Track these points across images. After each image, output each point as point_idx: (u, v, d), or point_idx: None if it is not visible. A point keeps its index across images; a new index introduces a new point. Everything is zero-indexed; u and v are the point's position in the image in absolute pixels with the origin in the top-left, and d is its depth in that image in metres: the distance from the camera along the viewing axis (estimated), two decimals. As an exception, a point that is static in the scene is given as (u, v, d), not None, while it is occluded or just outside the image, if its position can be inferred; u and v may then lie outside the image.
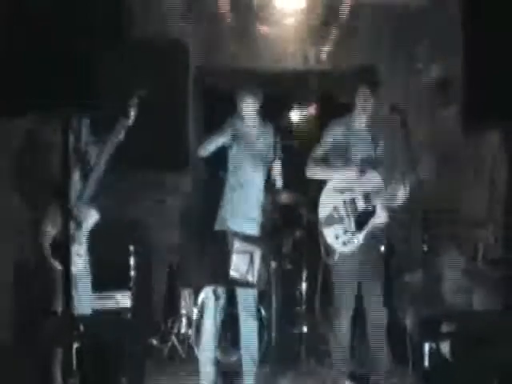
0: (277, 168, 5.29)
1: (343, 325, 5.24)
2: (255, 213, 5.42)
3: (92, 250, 5.18)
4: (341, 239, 5.20)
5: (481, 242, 5.92)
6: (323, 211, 5.28)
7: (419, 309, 5.48)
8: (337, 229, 5.22)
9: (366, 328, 5.28)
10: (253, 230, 5.36)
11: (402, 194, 5.04)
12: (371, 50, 7.49)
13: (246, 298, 5.44)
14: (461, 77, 3.50)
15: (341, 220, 5.20)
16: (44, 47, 3.07)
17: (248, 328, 5.43)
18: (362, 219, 5.17)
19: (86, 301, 4.74)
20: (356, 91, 5.30)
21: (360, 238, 5.14)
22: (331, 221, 5.23)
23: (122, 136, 4.59)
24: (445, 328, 5.03)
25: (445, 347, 4.94)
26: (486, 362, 4.41)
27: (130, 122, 4.66)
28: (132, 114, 4.67)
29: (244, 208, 5.41)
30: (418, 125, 6.16)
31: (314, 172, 5.37)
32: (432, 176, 5.12)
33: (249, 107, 5.43)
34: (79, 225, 4.58)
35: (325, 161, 5.34)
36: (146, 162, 6.92)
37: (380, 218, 5.15)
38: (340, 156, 5.27)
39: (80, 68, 3.07)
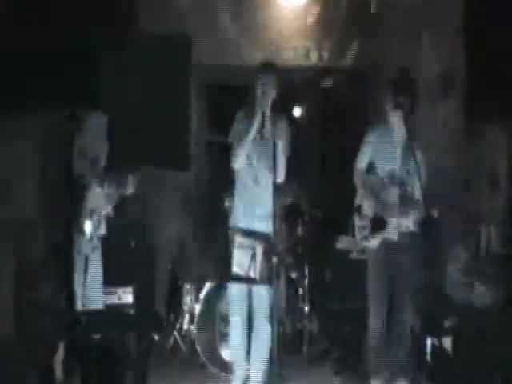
0: (281, 164, 5.23)
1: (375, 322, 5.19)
2: (268, 211, 5.28)
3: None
4: (361, 234, 5.18)
5: (483, 238, 5.92)
6: (357, 201, 5.25)
7: (421, 304, 5.45)
8: (358, 224, 5.19)
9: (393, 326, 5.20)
10: (267, 228, 5.25)
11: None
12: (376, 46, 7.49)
13: (260, 299, 5.37)
14: (462, 74, 3.51)
15: (364, 215, 5.16)
16: (45, 46, 3.08)
17: (261, 330, 5.37)
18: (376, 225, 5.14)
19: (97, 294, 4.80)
20: (389, 97, 5.19)
21: (373, 241, 5.12)
22: (357, 214, 5.20)
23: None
24: (447, 323, 5.04)
25: (447, 342, 4.95)
26: (488, 357, 4.42)
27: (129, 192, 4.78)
28: (132, 186, 4.81)
29: (258, 206, 5.34)
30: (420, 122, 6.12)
31: (357, 185, 5.30)
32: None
33: (268, 99, 5.26)
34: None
35: (368, 172, 5.26)
36: (148, 159, 6.94)
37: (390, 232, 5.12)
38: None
39: (82, 66, 3.09)
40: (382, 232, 5.11)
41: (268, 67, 5.38)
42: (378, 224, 5.13)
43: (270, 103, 5.24)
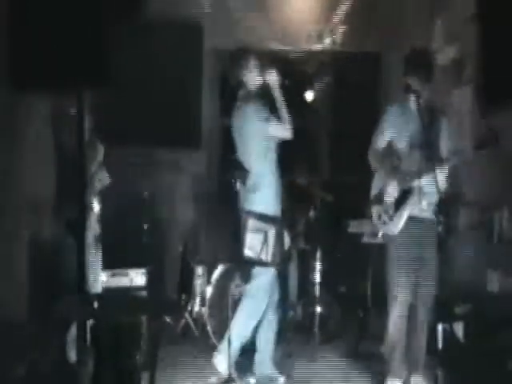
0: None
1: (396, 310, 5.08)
2: (280, 195, 5.35)
3: (106, 228, 5.21)
4: (382, 218, 5.11)
5: (496, 225, 5.89)
6: (374, 189, 5.20)
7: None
8: (379, 209, 5.13)
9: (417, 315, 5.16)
10: (277, 212, 5.29)
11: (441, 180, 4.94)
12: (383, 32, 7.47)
13: (261, 282, 5.36)
14: (475, 58, 3.47)
15: (385, 201, 5.10)
16: (58, 24, 3.05)
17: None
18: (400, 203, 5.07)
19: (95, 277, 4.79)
20: (409, 75, 5.08)
21: (397, 222, 5.04)
22: (377, 200, 5.14)
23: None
24: (458, 310, 5.02)
25: (458, 329, 4.93)
26: (499, 343, 4.41)
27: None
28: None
29: (277, 192, 5.36)
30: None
31: (374, 167, 5.24)
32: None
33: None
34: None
35: (385, 153, 5.18)
36: (159, 141, 6.92)
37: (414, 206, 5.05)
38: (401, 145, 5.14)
39: (93, 45, 3.06)
40: (406, 206, 5.02)
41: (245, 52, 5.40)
42: (403, 197, 5.05)
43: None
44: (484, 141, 4.86)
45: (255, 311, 5.20)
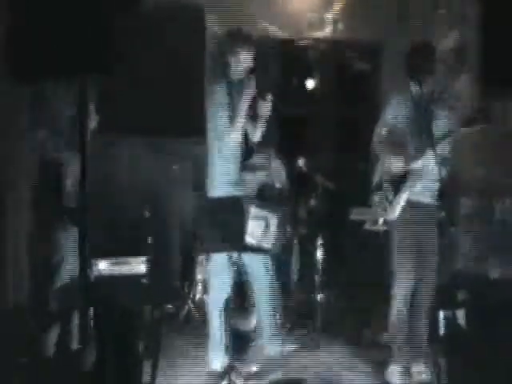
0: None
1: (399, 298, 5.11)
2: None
3: (108, 215, 5.21)
4: (382, 205, 5.11)
5: (497, 210, 5.89)
6: (376, 176, 5.19)
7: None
8: (380, 195, 5.13)
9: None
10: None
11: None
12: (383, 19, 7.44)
13: (259, 266, 5.40)
14: (476, 45, 3.46)
15: (383, 187, 5.09)
16: (59, 13, 3.04)
17: (265, 291, 5.41)
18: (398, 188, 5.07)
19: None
20: (412, 66, 5.12)
21: (395, 207, 5.04)
22: (379, 187, 5.14)
23: None
24: (460, 296, 5.02)
25: (460, 316, 4.94)
26: (501, 329, 4.41)
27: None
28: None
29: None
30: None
31: (379, 155, 5.22)
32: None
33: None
34: None
35: (387, 140, 5.17)
36: (161, 129, 6.93)
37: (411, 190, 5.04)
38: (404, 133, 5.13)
39: (94, 33, 3.05)
40: (403, 189, 5.01)
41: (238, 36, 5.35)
42: (401, 181, 5.04)
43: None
44: (472, 118, 4.87)
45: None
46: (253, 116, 5.24)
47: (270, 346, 5.44)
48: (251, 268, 5.37)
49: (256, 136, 5.32)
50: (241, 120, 5.10)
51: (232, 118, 5.10)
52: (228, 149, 5.15)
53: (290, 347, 5.49)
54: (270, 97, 5.19)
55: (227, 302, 5.15)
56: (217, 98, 5.14)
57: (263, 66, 5.45)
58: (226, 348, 5.21)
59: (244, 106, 5.08)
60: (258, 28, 7.21)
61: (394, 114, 5.13)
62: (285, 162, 5.80)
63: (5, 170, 4.61)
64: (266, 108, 5.19)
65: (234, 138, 5.13)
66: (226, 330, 5.23)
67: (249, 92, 5.08)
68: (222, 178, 5.16)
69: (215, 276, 5.28)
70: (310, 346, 5.94)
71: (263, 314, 5.43)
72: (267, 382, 5.17)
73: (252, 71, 5.18)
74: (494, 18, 3.43)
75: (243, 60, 5.19)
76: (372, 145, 5.19)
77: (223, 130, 5.12)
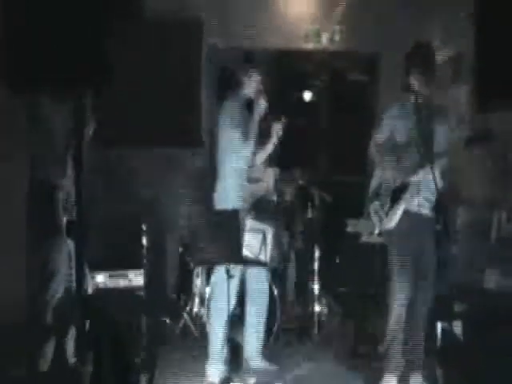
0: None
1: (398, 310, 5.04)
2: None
3: (105, 228, 5.20)
4: (378, 214, 5.10)
5: (494, 222, 5.89)
6: (372, 186, 5.18)
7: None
8: (376, 205, 5.12)
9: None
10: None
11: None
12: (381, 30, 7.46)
13: (259, 278, 5.43)
14: (473, 55, 3.46)
15: (380, 196, 5.08)
16: (56, 23, 3.04)
17: (258, 305, 5.46)
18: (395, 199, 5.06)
19: None
20: (411, 73, 5.06)
21: (392, 217, 5.02)
22: (375, 197, 5.13)
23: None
24: (457, 308, 5.02)
25: (457, 327, 4.93)
26: (498, 341, 4.41)
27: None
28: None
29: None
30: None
31: (377, 162, 5.22)
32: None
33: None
34: None
35: (387, 149, 5.17)
36: (160, 139, 6.94)
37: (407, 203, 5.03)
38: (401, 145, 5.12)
39: (92, 44, 3.05)
40: (401, 200, 5.00)
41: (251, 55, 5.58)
42: (399, 191, 5.03)
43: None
44: (474, 138, 4.86)
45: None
46: (262, 135, 5.38)
47: (252, 361, 5.51)
48: (247, 280, 5.41)
49: (260, 157, 5.50)
50: (253, 136, 5.28)
51: (245, 135, 5.23)
52: (239, 164, 5.29)
53: (272, 366, 5.49)
54: (283, 119, 5.39)
55: (228, 314, 5.16)
56: (229, 114, 5.28)
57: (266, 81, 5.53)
58: (225, 360, 5.23)
59: (256, 123, 5.27)
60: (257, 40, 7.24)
61: (390, 125, 5.13)
62: (281, 174, 5.81)
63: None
64: (278, 128, 5.36)
65: (246, 153, 5.28)
66: (226, 343, 5.25)
67: (260, 110, 5.27)
68: (233, 191, 5.31)
69: (217, 288, 5.28)
70: (307, 357, 5.93)
71: (250, 326, 5.48)
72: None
73: (263, 90, 5.36)
74: (491, 27, 3.44)
75: (255, 80, 5.37)
76: (369, 150, 5.19)
77: (237, 145, 5.25)
